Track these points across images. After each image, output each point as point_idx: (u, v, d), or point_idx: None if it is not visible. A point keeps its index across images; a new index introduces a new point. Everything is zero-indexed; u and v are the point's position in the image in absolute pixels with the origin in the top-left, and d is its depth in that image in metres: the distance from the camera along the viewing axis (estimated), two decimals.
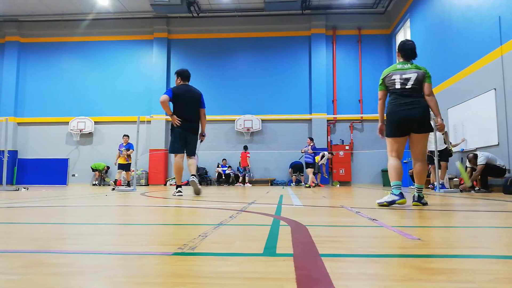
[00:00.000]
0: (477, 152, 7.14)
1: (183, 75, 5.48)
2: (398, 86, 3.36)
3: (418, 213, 2.75)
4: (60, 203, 3.86)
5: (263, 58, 14.96)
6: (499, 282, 0.90)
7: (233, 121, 14.43)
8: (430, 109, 3.34)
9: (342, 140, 14.48)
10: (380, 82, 3.52)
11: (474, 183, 7.12)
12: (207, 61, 15.02)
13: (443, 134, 7.68)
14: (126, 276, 0.96)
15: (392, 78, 3.42)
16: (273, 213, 2.63)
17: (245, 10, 14.85)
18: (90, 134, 15.09)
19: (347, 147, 14.20)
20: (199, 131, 5.48)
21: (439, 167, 7.71)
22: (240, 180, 13.41)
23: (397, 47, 3.59)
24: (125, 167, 10.39)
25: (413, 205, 3.28)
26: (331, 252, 1.25)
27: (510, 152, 7.00)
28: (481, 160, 6.81)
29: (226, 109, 14.47)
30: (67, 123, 14.91)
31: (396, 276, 0.95)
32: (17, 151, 14.90)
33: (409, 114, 3.27)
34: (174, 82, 5.59)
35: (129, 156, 10.39)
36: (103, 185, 14.07)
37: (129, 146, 10.41)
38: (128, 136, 10.53)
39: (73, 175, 15.08)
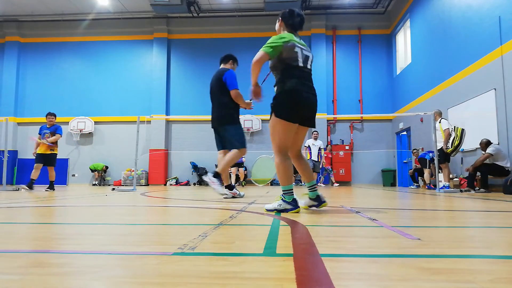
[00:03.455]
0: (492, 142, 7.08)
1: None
2: (301, 63, 2.71)
3: (418, 213, 2.75)
4: (60, 203, 3.86)
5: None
6: (499, 282, 0.90)
7: None
8: None
9: (342, 140, 14.48)
10: (275, 45, 2.70)
11: (474, 183, 7.10)
12: (207, 61, 15.01)
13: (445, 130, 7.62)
14: (126, 276, 0.96)
15: (295, 50, 2.71)
16: (273, 213, 2.63)
17: (245, 10, 14.85)
18: (90, 134, 15.09)
19: (347, 147, 14.20)
20: (226, 119, 4.50)
21: (439, 168, 7.71)
22: (321, 181, 12.78)
23: (281, 16, 2.90)
24: (48, 159, 7.24)
25: (322, 207, 2.77)
26: (331, 252, 1.25)
27: (510, 152, 7.00)
28: (489, 150, 6.80)
29: None
30: (67, 123, 14.90)
31: (396, 276, 0.95)
32: (17, 151, 14.90)
33: (312, 101, 2.71)
34: None
35: (54, 144, 7.31)
36: (103, 185, 14.07)
37: (55, 129, 7.34)
38: (54, 115, 7.46)
39: (73, 175, 15.08)
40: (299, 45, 2.75)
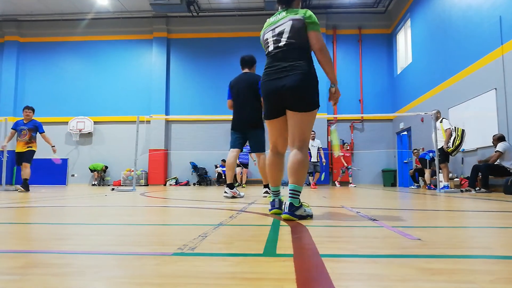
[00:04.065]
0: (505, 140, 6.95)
1: (240, 62, 4.88)
2: (271, 47, 2.43)
3: (418, 214, 2.75)
4: (60, 203, 3.85)
5: (263, 58, 14.89)
6: (499, 282, 0.89)
7: None
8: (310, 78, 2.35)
9: (342, 140, 14.47)
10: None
11: (476, 183, 7.08)
12: (207, 60, 15.02)
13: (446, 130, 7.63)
14: (126, 277, 0.95)
15: (265, 38, 2.51)
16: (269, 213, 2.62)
17: (245, 10, 14.85)
18: (89, 134, 15.09)
19: (347, 147, 14.18)
20: (260, 123, 4.64)
21: (439, 168, 7.70)
22: (338, 180, 12.15)
23: None
24: (26, 157, 6.57)
25: (284, 218, 2.19)
26: (331, 252, 1.25)
27: None
28: (499, 147, 6.74)
29: (226, 109, 14.46)
30: (66, 123, 14.91)
31: (396, 276, 0.94)
32: None
33: (280, 85, 2.31)
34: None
35: (32, 140, 6.54)
36: (102, 185, 14.06)
37: (34, 126, 6.65)
38: (32, 109, 6.67)
39: (73, 175, 15.08)
40: (270, 26, 2.48)
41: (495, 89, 7.50)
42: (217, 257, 1.18)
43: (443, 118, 7.97)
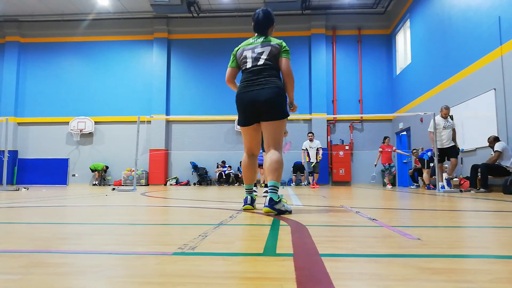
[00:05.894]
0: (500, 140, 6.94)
1: None
2: (249, 64, 2.79)
3: (417, 213, 2.75)
4: (60, 203, 3.86)
5: None
6: (499, 282, 0.90)
7: (233, 121, 14.45)
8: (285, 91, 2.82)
9: (342, 140, 14.48)
10: (231, 59, 2.98)
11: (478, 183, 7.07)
12: (207, 61, 15.02)
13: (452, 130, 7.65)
14: (126, 276, 0.96)
15: (244, 55, 2.85)
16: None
17: (245, 10, 14.85)
18: (90, 134, 15.09)
19: (347, 147, 14.20)
20: None
21: (440, 166, 7.69)
22: (388, 181, 11.16)
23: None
24: None
25: (264, 212, 2.51)
26: (331, 252, 1.25)
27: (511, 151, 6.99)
28: (498, 147, 6.74)
29: (226, 109, 14.47)
30: (67, 123, 14.91)
31: (396, 276, 0.95)
32: (17, 151, 14.90)
33: (256, 96, 2.67)
34: None
35: None
36: (103, 185, 14.06)
37: None
38: None
39: (73, 175, 15.09)
40: (250, 46, 2.87)
41: (494, 89, 7.51)
42: (218, 257, 1.18)
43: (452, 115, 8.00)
